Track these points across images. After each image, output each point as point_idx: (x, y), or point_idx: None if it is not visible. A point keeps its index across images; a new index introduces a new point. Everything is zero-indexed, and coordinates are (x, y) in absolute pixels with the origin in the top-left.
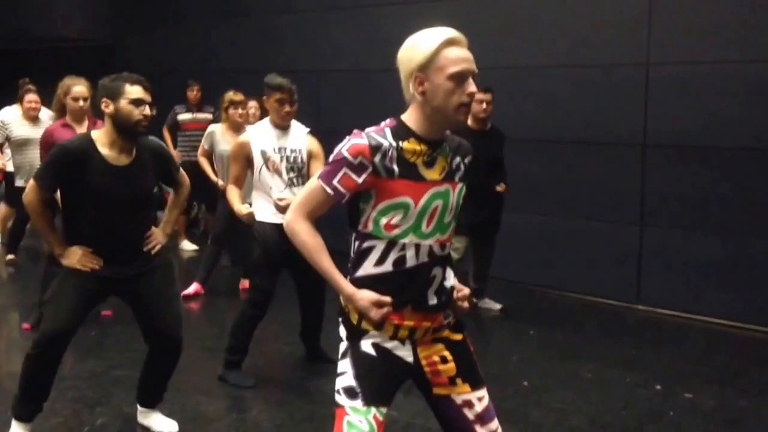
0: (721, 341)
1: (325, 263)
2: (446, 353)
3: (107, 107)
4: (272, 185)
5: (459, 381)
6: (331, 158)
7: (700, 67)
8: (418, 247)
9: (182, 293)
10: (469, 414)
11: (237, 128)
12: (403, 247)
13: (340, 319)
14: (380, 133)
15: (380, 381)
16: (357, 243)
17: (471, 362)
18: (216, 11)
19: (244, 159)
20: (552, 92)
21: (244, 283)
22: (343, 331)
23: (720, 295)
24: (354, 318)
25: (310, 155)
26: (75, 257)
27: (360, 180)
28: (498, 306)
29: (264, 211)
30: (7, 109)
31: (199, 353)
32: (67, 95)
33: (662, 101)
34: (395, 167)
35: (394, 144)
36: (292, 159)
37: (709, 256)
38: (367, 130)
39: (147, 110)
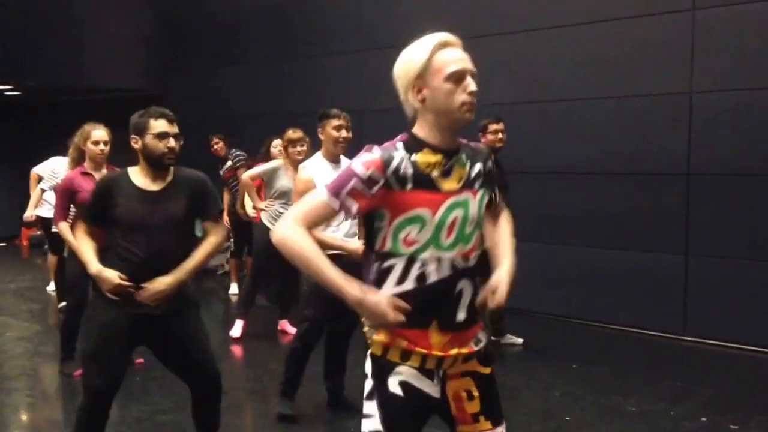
0: None
1: (330, 270)
2: (473, 389)
3: (136, 143)
4: (334, 221)
5: (482, 418)
6: (340, 172)
7: (744, 95)
8: (439, 260)
9: (230, 334)
10: None
11: (296, 165)
12: (424, 263)
13: (368, 353)
14: (392, 148)
15: (407, 424)
16: (376, 264)
17: (495, 398)
18: (258, 58)
19: None
20: (593, 123)
21: (282, 324)
22: (369, 368)
23: (767, 324)
24: (378, 350)
25: None
26: (108, 284)
27: (371, 193)
28: (520, 340)
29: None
30: (57, 159)
31: (241, 395)
32: (87, 140)
33: (706, 129)
34: (409, 179)
35: (407, 156)
36: None
37: (757, 285)
38: (380, 146)
39: (171, 143)
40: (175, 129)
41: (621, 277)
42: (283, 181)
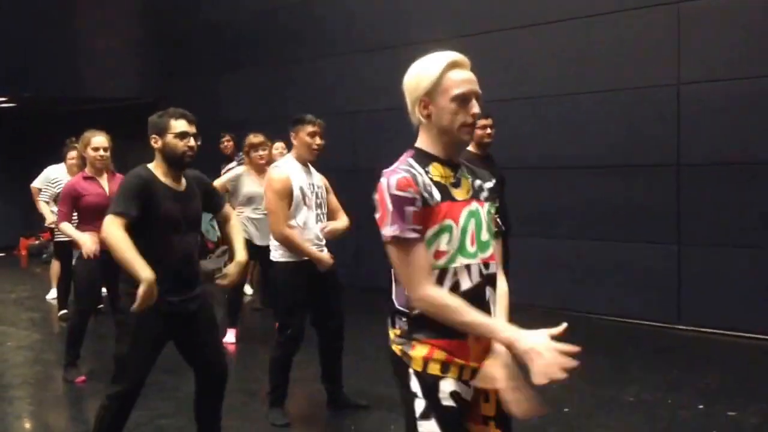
0: (764, 357)
1: (476, 316)
2: (489, 391)
3: (156, 143)
4: (309, 222)
5: (492, 424)
6: (385, 209)
7: (731, 85)
8: (468, 268)
9: (224, 341)
10: None
11: (259, 170)
12: (455, 272)
13: (410, 372)
14: (407, 165)
15: None
16: None
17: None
18: (254, 63)
19: (290, 195)
20: (583, 118)
21: None
22: (416, 387)
23: (761, 311)
24: (418, 365)
25: (327, 190)
26: (152, 297)
27: (420, 209)
28: None
29: (287, 251)
30: (53, 167)
31: (242, 397)
32: (87, 146)
33: (695, 120)
34: (434, 191)
35: (422, 170)
36: (319, 195)
37: (749, 272)
38: (393, 167)
39: (191, 142)
40: (193, 129)
41: (615, 269)
42: (249, 187)
